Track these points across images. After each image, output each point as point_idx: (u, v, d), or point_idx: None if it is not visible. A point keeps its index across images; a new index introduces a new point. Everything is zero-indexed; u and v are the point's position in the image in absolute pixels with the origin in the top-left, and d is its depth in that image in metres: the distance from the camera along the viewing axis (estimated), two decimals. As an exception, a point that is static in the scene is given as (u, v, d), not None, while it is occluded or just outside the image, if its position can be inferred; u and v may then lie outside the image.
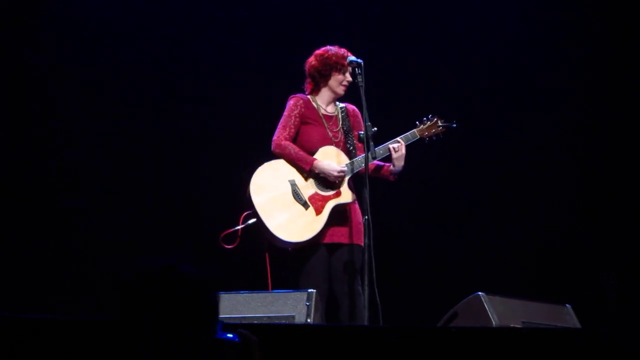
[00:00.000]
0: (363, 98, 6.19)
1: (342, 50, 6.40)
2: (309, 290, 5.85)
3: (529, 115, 8.48)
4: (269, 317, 5.78)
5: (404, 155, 6.31)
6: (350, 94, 6.49)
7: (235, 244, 6.19)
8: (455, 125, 6.53)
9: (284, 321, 5.72)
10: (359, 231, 6.25)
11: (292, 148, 6.28)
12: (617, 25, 8.41)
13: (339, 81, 6.38)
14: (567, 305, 6.55)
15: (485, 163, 8.41)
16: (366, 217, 5.98)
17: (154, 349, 2.73)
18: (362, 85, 6.22)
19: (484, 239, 8.29)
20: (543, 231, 8.32)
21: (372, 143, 6.12)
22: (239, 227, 6.20)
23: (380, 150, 6.28)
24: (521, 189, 8.42)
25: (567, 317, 6.49)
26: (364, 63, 6.28)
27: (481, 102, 8.36)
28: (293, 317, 5.77)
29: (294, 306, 5.80)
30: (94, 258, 8.00)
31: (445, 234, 8.35)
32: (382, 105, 6.96)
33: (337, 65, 6.36)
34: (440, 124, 6.48)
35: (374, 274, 5.94)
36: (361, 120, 6.42)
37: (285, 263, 6.31)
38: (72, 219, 8.10)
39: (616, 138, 8.40)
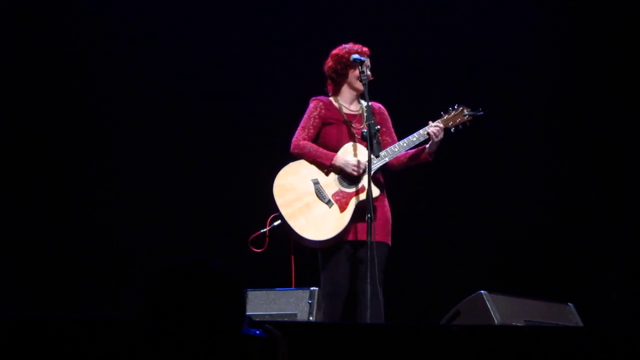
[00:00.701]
0: (366, 95, 6.18)
1: (357, 47, 6.38)
2: (312, 288, 5.85)
3: (528, 111, 8.48)
4: (271, 314, 5.80)
5: (441, 140, 6.24)
6: (373, 90, 6.45)
7: (264, 248, 6.18)
8: (481, 113, 6.37)
9: (286, 319, 5.73)
10: (384, 228, 6.22)
11: (311, 146, 6.26)
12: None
13: (357, 77, 6.35)
14: (569, 304, 6.56)
15: (486, 160, 8.40)
16: (369, 215, 5.96)
17: (181, 343, 2.74)
18: (366, 84, 6.21)
19: (486, 237, 8.29)
20: (545, 229, 8.31)
21: (375, 141, 6.09)
22: (265, 230, 6.19)
23: (414, 136, 6.20)
24: (523, 187, 8.40)
25: (570, 315, 6.51)
26: (379, 53, 6.32)
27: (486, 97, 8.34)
28: (295, 315, 5.78)
29: (296, 304, 5.82)
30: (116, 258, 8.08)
31: (448, 231, 8.35)
32: (406, 97, 6.92)
33: (351, 62, 6.34)
34: (466, 112, 6.35)
35: (377, 272, 5.92)
36: (388, 118, 6.43)
37: (313, 262, 6.28)
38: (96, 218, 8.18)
39: (618, 137, 8.38)
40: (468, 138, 6.72)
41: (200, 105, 8.41)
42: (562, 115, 8.43)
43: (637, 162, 8.32)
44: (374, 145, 6.08)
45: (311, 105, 6.38)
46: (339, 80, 6.39)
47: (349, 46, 6.38)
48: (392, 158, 6.21)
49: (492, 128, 8.06)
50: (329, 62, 6.40)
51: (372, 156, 6.13)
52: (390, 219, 6.30)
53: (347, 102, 6.40)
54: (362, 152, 6.20)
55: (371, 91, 6.30)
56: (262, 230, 6.21)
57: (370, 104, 6.37)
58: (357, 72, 6.28)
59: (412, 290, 8.06)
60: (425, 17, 8.47)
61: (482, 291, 6.21)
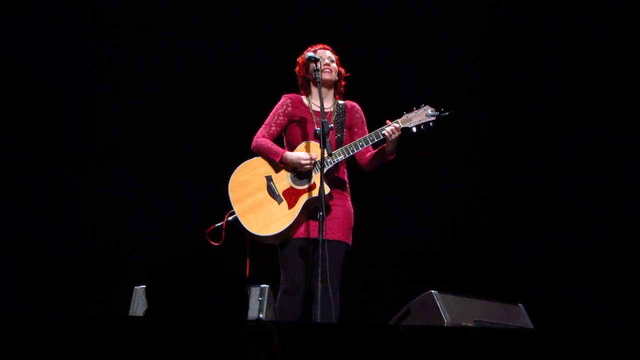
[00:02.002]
0: (320, 94, 6.19)
1: (318, 46, 6.41)
2: (262, 285, 5.83)
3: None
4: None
5: (398, 136, 6.18)
6: (352, 89, 6.45)
7: (221, 241, 6.19)
8: (446, 113, 6.23)
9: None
10: (343, 227, 6.21)
11: (266, 143, 6.27)
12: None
13: (313, 69, 6.34)
14: (519, 304, 6.59)
15: (437, 157, 8.44)
16: (320, 213, 5.95)
17: (183, 337, 2.74)
18: (320, 82, 6.22)
19: (438, 235, 8.32)
20: (497, 229, 8.36)
21: (328, 140, 6.08)
22: (221, 223, 6.24)
23: (370, 137, 6.16)
24: (474, 185, 8.45)
25: (520, 316, 6.54)
26: (348, 49, 6.38)
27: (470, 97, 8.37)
28: (245, 312, 5.75)
29: (246, 301, 5.79)
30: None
31: (400, 230, 8.36)
32: (371, 96, 6.91)
33: (309, 59, 6.35)
34: (430, 112, 6.24)
35: (331, 270, 5.92)
36: (362, 117, 6.44)
37: (270, 258, 6.28)
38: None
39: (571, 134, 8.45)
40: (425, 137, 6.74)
41: (174, 102, 8.41)
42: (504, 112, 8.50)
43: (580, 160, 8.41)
44: (327, 144, 6.07)
45: (280, 101, 6.41)
46: (305, 82, 6.43)
47: (309, 48, 6.41)
48: (346, 157, 6.19)
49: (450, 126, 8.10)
50: (296, 69, 6.46)
51: (333, 152, 6.15)
52: (352, 217, 6.30)
53: (317, 100, 6.37)
54: (317, 150, 6.19)
55: (350, 90, 6.41)
56: (218, 224, 6.24)
57: (344, 102, 6.39)
58: (314, 65, 6.30)
59: (364, 289, 8.07)
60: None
61: (432, 291, 6.22)
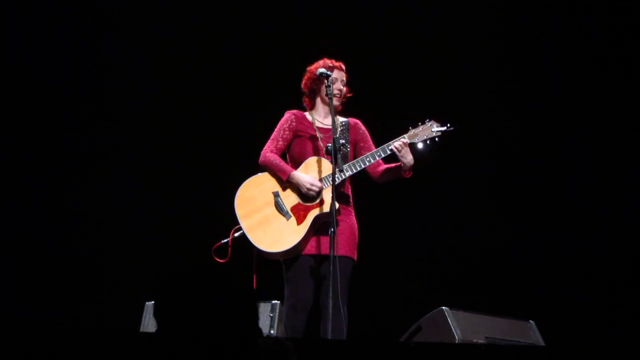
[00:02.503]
0: (332, 110, 6.17)
1: (330, 61, 6.40)
2: (274, 301, 5.83)
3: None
4: (232, 328, 5.77)
5: (409, 151, 6.17)
6: (354, 105, 6.46)
7: (227, 258, 6.17)
8: (452, 128, 6.27)
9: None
10: (348, 242, 6.20)
11: (274, 159, 6.27)
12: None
13: (325, 85, 6.35)
14: (530, 321, 6.58)
15: (453, 176, 8.43)
16: (331, 229, 5.95)
17: (196, 350, 2.74)
18: (331, 98, 6.21)
19: (449, 252, 8.31)
20: (508, 246, 8.34)
21: (339, 155, 6.08)
22: (227, 240, 6.19)
23: (378, 152, 6.17)
24: (487, 202, 8.44)
25: (531, 332, 6.53)
26: (355, 64, 6.33)
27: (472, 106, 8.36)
28: (256, 328, 5.75)
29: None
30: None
31: (411, 247, 8.35)
32: (377, 110, 6.92)
33: (322, 77, 6.35)
34: (435, 128, 6.27)
35: (339, 286, 5.90)
36: (365, 132, 6.43)
37: (275, 274, 6.27)
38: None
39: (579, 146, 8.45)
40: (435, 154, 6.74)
41: (181, 115, 8.41)
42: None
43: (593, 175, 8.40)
44: (338, 159, 6.08)
45: (284, 117, 6.40)
46: (311, 95, 6.42)
47: (322, 62, 6.40)
48: (354, 172, 6.20)
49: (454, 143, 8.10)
50: (305, 78, 6.44)
51: (347, 165, 6.16)
52: (357, 233, 6.29)
53: (321, 117, 6.40)
54: (325, 166, 6.21)
55: (349, 105, 6.37)
56: (224, 241, 6.21)
57: (347, 120, 6.39)
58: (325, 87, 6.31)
59: (375, 306, 8.06)
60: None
61: (443, 307, 6.22)
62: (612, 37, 8.43)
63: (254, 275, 6.19)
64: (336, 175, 6.08)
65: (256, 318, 2.91)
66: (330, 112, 6.20)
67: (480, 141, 8.41)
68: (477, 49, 8.48)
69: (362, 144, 6.40)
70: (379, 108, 7.58)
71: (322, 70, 6.30)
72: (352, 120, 6.46)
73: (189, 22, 8.44)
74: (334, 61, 6.40)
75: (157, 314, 2.85)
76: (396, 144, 6.20)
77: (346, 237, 6.20)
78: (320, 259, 6.18)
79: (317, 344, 5.02)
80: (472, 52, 8.47)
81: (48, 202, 8.20)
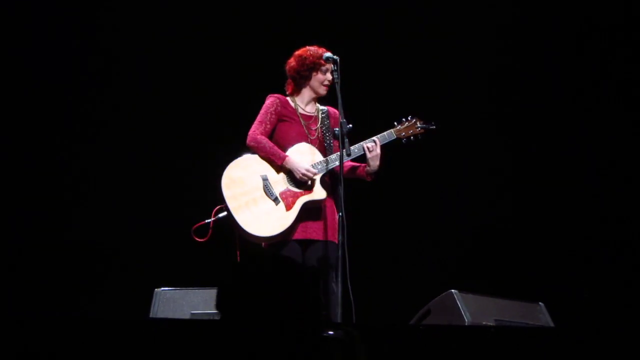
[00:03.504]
0: (339, 94, 6.17)
1: (322, 50, 6.39)
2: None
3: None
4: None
5: (379, 155, 6.29)
6: (329, 92, 6.48)
7: (207, 237, 6.16)
8: (434, 127, 6.48)
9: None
10: (333, 228, 6.23)
11: (267, 142, 6.27)
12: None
13: (320, 81, 6.38)
14: (540, 303, 6.58)
15: (461, 161, 8.43)
16: (340, 213, 5.97)
17: (262, 345, 2.75)
18: (338, 82, 6.21)
19: (459, 235, 8.31)
20: (517, 228, 8.34)
21: (347, 140, 6.11)
22: (209, 220, 6.17)
23: (355, 148, 6.26)
24: (494, 184, 8.44)
25: (540, 315, 6.52)
26: (341, 60, 6.27)
27: (463, 103, 8.37)
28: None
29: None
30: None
31: (421, 229, 8.35)
32: (362, 105, 6.95)
33: (317, 66, 6.35)
34: (419, 125, 6.45)
35: (348, 271, 5.91)
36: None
37: (257, 258, 6.27)
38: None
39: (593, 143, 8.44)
40: (441, 138, 6.77)
41: (157, 96, 8.39)
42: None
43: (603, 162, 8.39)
44: (345, 143, 6.09)
45: (268, 101, 6.40)
46: (301, 81, 6.41)
47: (313, 49, 6.39)
48: (353, 157, 6.27)
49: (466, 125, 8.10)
50: (292, 63, 6.42)
51: (331, 157, 6.21)
52: (336, 218, 6.28)
53: (304, 103, 6.43)
54: (315, 153, 6.25)
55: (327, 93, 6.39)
56: (206, 221, 6.18)
57: (326, 108, 6.42)
58: (321, 76, 6.34)
59: (384, 289, 8.06)
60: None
61: (452, 290, 6.22)
62: (610, 37, 8.46)
63: (237, 255, 6.19)
64: (342, 157, 6.13)
65: (321, 307, 2.92)
66: (338, 98, 6.20)
67: (484, 125, 8.43)
68: (466, 45, 8.50)
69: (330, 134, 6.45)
70: (364, 102, 7.59)
71: (329, 54, 6.30)
72: (331, 109, 6.50)
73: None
74: (325, 49, 6.41)
75: (220, 304, 2.87)
76: (369, 143, 6.26)
77: (330, 223, 6.26)
78: (306, 244, 6.23)
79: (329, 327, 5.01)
80: (459, 48, 8.49)
81: (48, 195, 8.22)
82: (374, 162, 6.28)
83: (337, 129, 6.16)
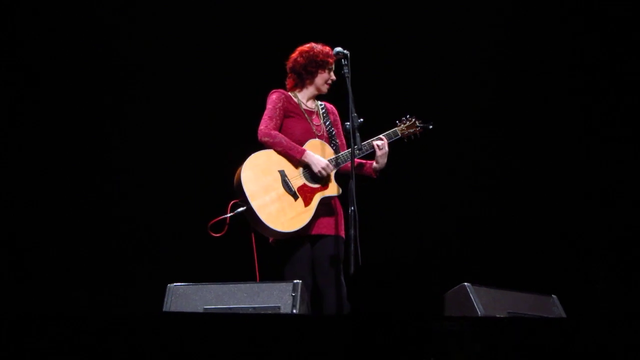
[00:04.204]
0: (349, 89, 6.18)
1: (327, 49, 6.42)
2: (295, 281, 5.85)
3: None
4: (254, 307, 5.78)
5: (387, 153, 6.33)
6: (332, 87, 6.49)
7: (223, 232, 6.17)
8: (431, 126, 6.59)
9: (269, 312, 5.71)
10: (340, 223, 6.28)
11: (283, 137, 6.30)
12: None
13: (325, 79, 6.42)
14: (552, 295, 6.57)
15: (471, 156, 8.43)
16: (352, 208, 5.98)
17: (387, 336, 2.80)
18: (348, 77, 6.22)
19: (471, 228, 8.31)
20: (528, 220, 8.34)
21: (358, 134, 6.12)
22: (227, 216, 6.18)
23: (364, 146, 6.29)
24: (505, 181, 8.43)
25: (553, 307, 6.51)
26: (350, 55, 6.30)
27: (462, 102, 8.38)
28: (279, 307, 5.77)
29: (279, 297, 5.80)
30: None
31: (433, 223, 8.35)
32: (365, 101, 6.94)
33: (323, 63, 6.38)
34: (418, 124, 6.57)
35: (360, 265, 5.93)
36: (338, 118, 6.52)
37: (272, 254, 6.31)
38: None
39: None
40: (447, 134, 6.78)
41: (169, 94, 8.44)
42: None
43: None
44: (356, 138, 6.11)
45: (274, 96, 6.41)
46: (305, 77, 6.43)
47: (320, 47, 6.41)
48: (365, 154, 6.31)
49: (474, 126, 8.10)
50: (298, 58, 6.44)
51: (342, 154, 6.22)
52: (342, 213, 6.36)
53: (305, 99, 6.46)
54: (326, 149, 6.28)
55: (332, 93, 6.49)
56: (224, 216, 6.19)
57: (323, 103, 6.44)
58: (326, 74, 6.41)
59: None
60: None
61: (465, 283, 6.21)
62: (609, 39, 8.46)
63: (255, 253, 6.20)
64: (354, 152, 6.14)
65: (441, 303, 3.03)
66: (348, 92, 6.21)
67: (494, 116, 8.44)
68: (465, 46, 8.51)
69: (336, 130, 6.51)
70: (368, 100, 7.61)
71: (340, 49, 6.32)
72: (329, 105, 6.56)
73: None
74: (330, 48, 6.43)
75: (352, 297, 2.93)
76: (378, 141, 6.29)
77: (338, 218, 6.36)
78: (315, 239, 6.27)
79: (342, 320, 5.02)
80: (458, 49, 8.51)
81: (66, 190, 8.26)
82: (383, 159, 6.32)
83: (347, 123, 6.16)
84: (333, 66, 6.39)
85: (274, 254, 6.30)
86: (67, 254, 8.09)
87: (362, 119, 6.17)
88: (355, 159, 6.33)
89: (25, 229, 8.10)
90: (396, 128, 6.49)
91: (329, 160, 6.28)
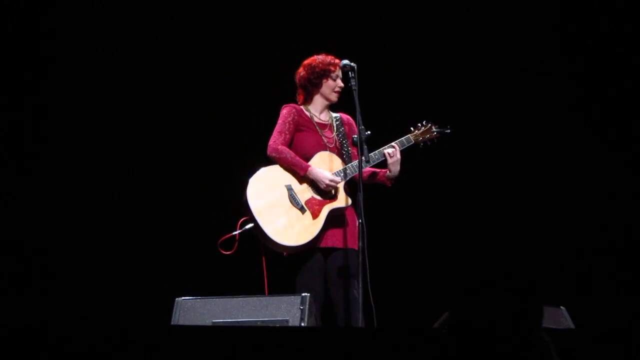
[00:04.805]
0: (357, 101, 6.20)
1: (330, 57, 6.44)
2: (303, 294, 5.85)
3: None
4: (262, 321, 5.78)
5: (399, 160, 6.34)
6: (343, 99, 6.50)
7: (233, 250, 6.18)
8: (449, 131, 6.57)
9: (277, 325, 5.71)
10: (353, 235, 6.26)
11: (289, 153, 6.31)
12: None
13: (331, 88, 6.43)
14: (561, 307, 6.56)
15: (481, 165, 8.42)
16: (360, 220, 5.98)
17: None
18: (355, 89, 6.23)
19: (477, 239, 8.30)
20: (536, 228, 8.33)
21: (365, 147, 6.13)
22: (236, 233, 6.19)
23: (375, 155, 6.30)
24: (514, 191, 8.43)
25: (562, 319, 6.50)
26: (357, 67, 6.30)
27: (476, 107, 8.38)
28: (287, 321, 5.76)
29: (287, 310, 5.80)
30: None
31: (439, 235, 8.34)
32: (378, 111, 6.95)
33: (326, 72, 6.40)
34: (434, 129, 6.54)
35: (369, 277, 5.93)
36: (354, 128, 6.47)
37: (282, 267, 6.31)
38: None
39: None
40: (459, 142, 6.78)
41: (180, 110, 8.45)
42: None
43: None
44: (364, 150, 6.12)
45: (285, 111, 6.43)
46: (311, 89, 6.46)
47: (321, 56, 6.44)
48: (373, 164, 6.32)
49: (483, 132, 8.09)
50: (301, 72, 6.48)
51: (351, 165, 6.22)
52: (357, 225, 6.32)
53: (317, 112, 6.47)
54: (335, 161, 6.25)
55: (341, 100, 6.46)
56: (233, 233, 6.20)
57: (339, 115, 6.45)
58: (332, 82, 6.39)
59: (406, 295, 8.06)
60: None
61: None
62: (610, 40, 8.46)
63: (264, 268, 6.21)
64: (347, 172, 6.19)
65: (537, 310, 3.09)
66: (355, 105, 6.22)
67: (495, 129, 8.44)
68: (476, 50, 8.51)
69: (350, 141, 6.47)
70: (380, 109, 7.60)
71: (347, 61, 6.33)
72: (344, 115, 6.57)
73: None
74: (333, 57, 6.43)
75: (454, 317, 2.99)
76: (389, 149, 6.29)
77: (351, 230, 6.32)
78: (327, 252, 6.26)
79: (350, 333, 5.02)
80: (471, 53, 8.50)
81: (75, 203, 8.27)
82: (395, 167, 6.32)
83: (355, 136, 6.17)
84: (338, 73, 6.38)
85: (286, 266, 6.29)
86: (73, 266, 8.09)
87: (369, 132, 6.19)
88: (369, 169, 6.36)
89: (32, 238, 8.11)
90: (409, 135, 6.48)
91: (336, 172, 6.28)
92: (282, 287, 6.27)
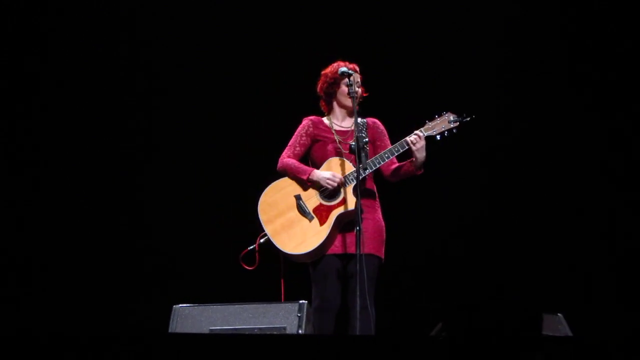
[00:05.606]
0: (355, 108, 6.19)
1: (344, 63, 6.41)
2: (300, 301, 5.84)
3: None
4: (260, 328, 5.78)
5: (424, 146, 6.20)
6: (369, 104, 6.47)
7: (255, 265, 6.20)
8: (468, 119, 6.33)
9: (275, 332, 5.71)
10: (374, 240, 6.22)
11: (293, 163, 6.32)
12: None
13: (345, 94, 6.38)
14: (559, 314, 6.56)
15: (484, 168, 8.43)
16: (357, 227, 5.96)
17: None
18: (354, 96, 6.23)
19: (474, 247, 8.29)
20: (536, 236, 8.32)
21: (363, 154, 6.12)
22: (254, 247, 6.24)
23: (396, 147, 6.21)
24: (512, 196, 8.42)
25: (560, 325, 6.51)
26: (368, 63, 6.35)
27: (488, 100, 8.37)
28: (284, 328, 5.76)
29: (285, 317, 5.80)
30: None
31: (437, 243, 8.34)
32: (392, 105, 6.95)
33: (337, 80, 6.39)
34: (452, 118, 6.32)
35: (366, 284, 5.91)
36: (383, 131, 6.47)
37: (303, 276, 6.30)
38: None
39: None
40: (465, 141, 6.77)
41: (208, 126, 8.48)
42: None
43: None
44: (362, 158, 6.10)
45: (301, 124, 6.48)
46: (329, 98, 6.47)
47: (336, 64, 6.43)
48: (372, 170, 6.24)
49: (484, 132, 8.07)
50: (320, 82, 6.47)
51: (360, 168, 6.18)
52: (383, 230, 6.31)
53: (339, 120, 6.45)
54: (347, 166, 6.24)
55: (365, 106, 6.38)
56: (250, 247, 6.24)
57: (365, 120, 6.41)
58: (343, 88, 6.35)
59: (403, 301, 8.06)
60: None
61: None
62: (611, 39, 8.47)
63: (282, 280, 6.22)
64: (359, 172, 6.12)
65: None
66: (353, 111, 6.22)
67: (498, 132, 8.44)
68: (485, 43, 8.51)
69: (378, 142, 6.43)
70: (394, 104, 7.60)
71: (344, 69, 6.31)
72: (371, 120, 6.51)
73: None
74: (347, 63, 6.42)
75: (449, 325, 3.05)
76: (412, 137, 6.23)
77: (371, 235, 6.24)
78: (346, 258, 6.21)
79: (347, 341, 5.02)
80: (480, 46, 8.50)
81: (86, 213, 8.29)
82: (420, 153, 6.22)
83: (352, 143, 6.17)
84: (352, 78, 6.33)
85: (305, 276, 6.29)
86: (72, 276, 8.10)
87: (367, 139, 6.20)
88: (391, 165, 6.35)
89: (31, 245, 8.11)
90: (422, 128, 6.33)
91: (347, 175, 6.23)
92: (302, 296, 6.28)
